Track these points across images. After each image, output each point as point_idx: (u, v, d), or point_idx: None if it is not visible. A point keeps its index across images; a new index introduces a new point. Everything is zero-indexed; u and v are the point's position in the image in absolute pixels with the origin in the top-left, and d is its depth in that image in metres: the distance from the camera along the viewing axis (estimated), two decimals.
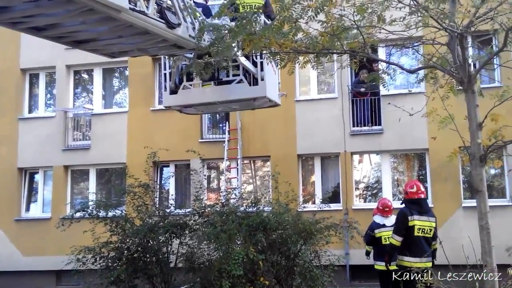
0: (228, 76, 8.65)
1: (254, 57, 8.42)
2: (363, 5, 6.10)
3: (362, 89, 14.59)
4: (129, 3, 5.70)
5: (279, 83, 10.09)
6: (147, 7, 6.08)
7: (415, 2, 6.13)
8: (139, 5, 5.93)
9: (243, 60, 8.28)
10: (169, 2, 6.70)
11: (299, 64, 7.01)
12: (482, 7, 5.86)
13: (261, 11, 7.93)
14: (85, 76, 17.75)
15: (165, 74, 9.18)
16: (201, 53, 7.32)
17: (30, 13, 5.62)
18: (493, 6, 5.76)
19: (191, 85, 9.18)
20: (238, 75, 8.66)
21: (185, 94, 9.09)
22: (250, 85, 8.73)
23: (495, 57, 6.77)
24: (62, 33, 6.46)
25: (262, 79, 8.64)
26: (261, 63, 8.52)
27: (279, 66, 7.02)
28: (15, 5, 5.41)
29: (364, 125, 14.91)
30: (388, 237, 8.38)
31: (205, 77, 8.05)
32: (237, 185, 14.34)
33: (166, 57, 9.04)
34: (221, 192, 12.66)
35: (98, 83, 17.12)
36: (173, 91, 9.13)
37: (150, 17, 6.15)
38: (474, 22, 5.62)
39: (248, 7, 8.41)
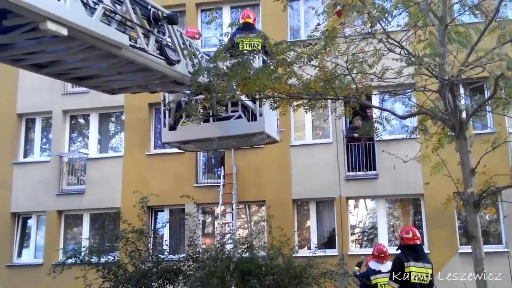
0: (226, 112, 8.71)
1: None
2: (355, 54, 6.25)
3: (356, 135, 14.70)
4: (130, 40, 5.82)
5: (277, 119, 10.08)
6: (147, 44, 6.20)
7: (405, 51, 6.28)
8: (139, 42, 6.05)
9: (242, 96, 8.14)
10: (169, 40, 6.84)
11: (292, 108, 7.11)
12: (472, 54, 6.00)
13: (260, 50, 8.11)
14: (81, 121, 17.84)
15: (164, 110, 9.21)
16: (195, 94, 7.40)
17: (32, 50, 5.69)
18: (482, 55, 5.90)
19: (190, 121, 9.08)
20: (237, 111, 8.73)
21: (184, 130, 9.08)
22: (249, 121, 8.76)
23: (487, 103, 6.89)
24: (63, 70, 6.53)
25: (261, 115, 8.68)
26: (260, 99, 8.36)
27: (271, 108, 7.11)
28: (17, 42, 5.49)
29: (359, 170, 14.94)
30: (384, 284, 8.28)
31: (200, 119, 8.09)
32: (232, 230, 14.23)
33: (166, 93, 9.09)
34: (216, 237, 12.57)
35: (94, 128, 17.20)
36: (172, 127, 9.13)
37: (150, 54, 6.26)
38: (464, 70, 5.74)
39: (248, 45, 8.53)
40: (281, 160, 14.95)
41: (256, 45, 8.66)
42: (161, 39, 6.63)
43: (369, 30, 6.29)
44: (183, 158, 15.60)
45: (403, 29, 6.79)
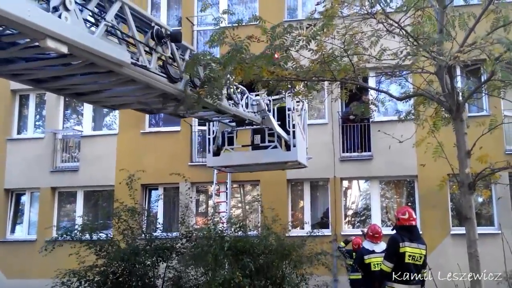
0: (264, 142, 10.08)
1: (287, 126, 9.88)
2: (353, 35, 6.21)
3: (352, 117, 14.67)
4: (131, 58, 5.70)
5: (307, 148, 11.30)
6: (149, 61, 6.08)
7: (403, 32, 6.24)
8: (141, 59, 5.90)
9: (278, 129, 9.69)
10: (171, 57, 6.68)
11: (289, 95, 7.13)
12: (470, 37, 5.97)
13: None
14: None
15: (209, 138, 10.53)
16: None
17: (31, 66, 5.57)
18: (480, 38, 5.86)
19: (232, 148, 10.53)
20: (273, 141, 9.98)
21: (226, 156, 10.42)
22: (284, 151, 9.96)
23: (483, 86, 6.88)
24: (63, 86, 6.40)
25: (294, 146, 9.91)
26: (294, 132, 9.95)
27: (271, 96, 7.13)
28: (17, 58, 5.38)
29: (354, 151, 14.97)
30: (378, 264, 8.34)
31: (198, 109, 8.06)
32: (226, 209, 14.28)
33: (211, 123, 10.32)
34: (209, 216, 12.61)
35: (88, 105, 17.04)
36: (216, 154, 10.43)
37: (152, 72, 6.15)
38: (461, 55, 5.71)
39: None
40: None
41: None
42: (163, 57, 6.50)
43: (369, 11, 6.24)
44: (178, 137, 15.59)
45: (402, 10, 6.73)
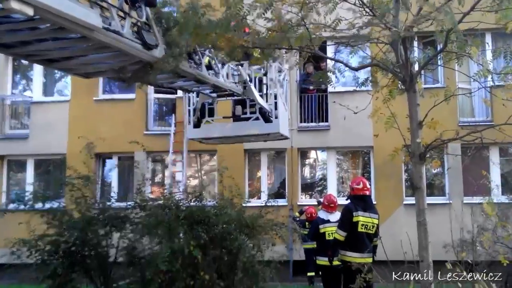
0: (245, 113, 9.84)
1: (267, 97, 9.77)
2: (308, 2, 6.12)
3: (311, 87, 14.68)
4: (103, 23, 5.41)
5: (289, 118, 11.16)
6: (122, 26, 5.79)
7: (360, 2, 6.17)
8: (113, 24, 5.61)
9: (259, 100, 9.47)
10: (146, 22, 6.40)
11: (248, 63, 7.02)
12: (425, 6, 5.94)
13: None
14: (25, 62, 17.00)
15: (189, 110, 10.29)
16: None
17: None
18: (432, 10, 5.85)
19: (212, 120, 10.28)
20: (255, 112, 9.75)
21: (207, 128, 10.25)
22: (265, 122, 9.78)
23: (438, 56, 6.92)
24: (32, 51, 6.08)
25: (276, 117, 9.82)
26: (275, 103, 9.84)
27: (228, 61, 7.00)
28: None
29: (311, 122, 15.01)
30: (332, 233, 8.46)
31: (154, 78, 7.85)
32: (182, 179, 14.17)
33: (190, 94, 10.02)
34: (165, 185, 12.48)
35: (38, 70, 16.44)
36: (196, 125, 10.20)
37: (126, 37, 5.87)
38: (417, 23, 5.69)
39: None
40: None
41: None
42: (138, 22, 6.21)
43: None
44: (134, 105, 15.27)
45: None
